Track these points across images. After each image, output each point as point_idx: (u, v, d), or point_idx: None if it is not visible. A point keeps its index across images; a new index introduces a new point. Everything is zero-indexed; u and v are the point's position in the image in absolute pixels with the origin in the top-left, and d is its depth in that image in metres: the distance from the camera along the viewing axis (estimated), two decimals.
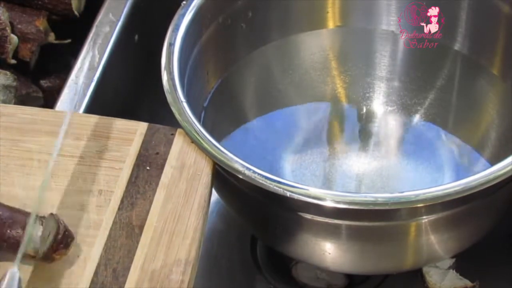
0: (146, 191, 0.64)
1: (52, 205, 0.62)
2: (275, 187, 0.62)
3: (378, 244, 0.69)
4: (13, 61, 0.84)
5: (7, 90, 0.81)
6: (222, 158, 0.64)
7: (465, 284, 0.76)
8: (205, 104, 0.79)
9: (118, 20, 0.84)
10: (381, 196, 0.62)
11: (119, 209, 0.62)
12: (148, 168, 0.65)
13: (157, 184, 0.64)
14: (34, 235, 0.57)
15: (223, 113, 0.81)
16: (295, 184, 0.63)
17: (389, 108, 0.84)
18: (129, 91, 0.87)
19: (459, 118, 0.83)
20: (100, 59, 0.81)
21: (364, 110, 0.85)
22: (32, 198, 0.61)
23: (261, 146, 0.82)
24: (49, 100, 0.86)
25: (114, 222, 0.61)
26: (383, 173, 0.81)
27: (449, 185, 0.62)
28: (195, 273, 0.60)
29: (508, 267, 0.79)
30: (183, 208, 0.62)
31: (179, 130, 0.68)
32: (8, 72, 0.82)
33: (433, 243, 0.69)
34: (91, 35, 0.83)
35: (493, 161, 0.76)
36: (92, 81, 0.79)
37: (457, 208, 0.65)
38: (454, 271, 0.77)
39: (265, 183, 0.62)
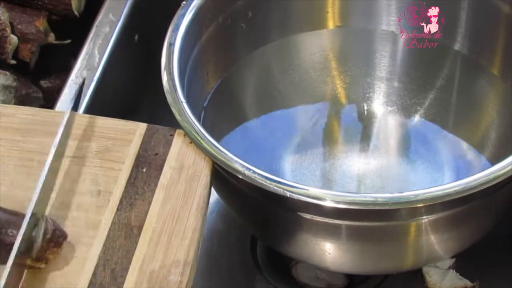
0: (145, 191, 0.64)
1: (51, 205, 0.62)
2: (275, 187, 0.62)
3: (378, 244, 0.69)
4: (13, 62, 0.84)
5: (7, 90, 0.81)
6: (222, 158, 0.64)
7: (465, 284, 0.76)
8: (205, 104, 0.79)
9: (118, 20, 0.84)
10: (381, 196, 0.62)
11: (118, 209, 0.62)
12: (147, 169, 0.65)
13: (156, 185, 0.64)
14: (28, 236, 0.57)
15: (223, 113, 0.81)
16: (295, 184, 0.63)
17: (389, 108, 0.84)
18: (129, 91, 0.87)
19: (459, 118, 0.83)
20: (100, 59, 0.81)
21: (364, 110, 0.85)
22: (31, 199, 0.60)
23: (261, 146, 0.82)
24: (49, 100, 0.86)
25: (113, 223, 0.61)
26: (383, 173, 0.81)
27: (449, 185, 0.62)
28: (193, 274, 0.60)
29: (508, 267, 0.79)
30: (182, 209, 0.62)
31: (178, 130, 0.67)
32: (8, 73, 0.82)
33: (433, 243, 0.69)
34: (91, 35, 0.83)
35: (493, 161, 0.76)
36: (92, 81, 0.79)
37: (457, 208, 0.65)
38: (454, 271, 0.77)
39: (265, 183, 0.62)
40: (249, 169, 0.63)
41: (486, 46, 0.81)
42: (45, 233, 0.58)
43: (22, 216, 0.59)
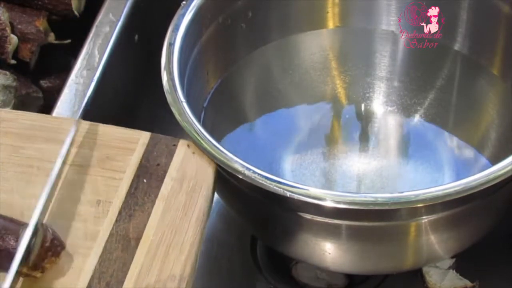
0: (144, 202, 0.62)
1: (49, 214, 0.61)
2: (275, 187, 0.62)
3: (378, 244, 0.69)
4: (13, 61, 0.84)
5: (7, 90, 0.81)
6: (222, 158, 0.64)
7: (465, 284, 0.77)
8: (205, 104, 0.79)
9: (118, 20, 0.84)
10: (381, 196, 0.62)
11: (116, 220, 0.61)
12: (148, 179, 0.64)
13: (156, 196, 0.63)
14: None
15: (223, 113, 0.81)
16: (295, 184, 0.63)
17: (389, 108, 0.85)
18: (129, 91, 0.87)
19: (459, 118, 0.83)
20: (100, 59, 0.81)
21: (364, 110, 0.85)
22: (30, 206, 0.59)
23: (261, 146, 0.82)
24: (49, 100, 0.86)
25: (111, 234, 0.60)
26: (383, 173, 0.81)
27: (449, 185, 0.62)
28: None
29: (508, 267, 0.79)
30: (181, 221, 0.61)
31: (181, 141, 0.67)
32: (8, 72, 0.82)
33: (433, 243, 0.69)
34: (91, 35, 0.83)
35: (493, 161, 0.76)
36: (92, 81, 0.79)
37: (457, 208, 0.65)
38: (454, 271, 0.77)
39: (265, 183, 0.62)
40: (249, 169, 0.63)
41: (486, 46, 0.81)
42: (43, 242, 0.57)
43: (19, 223, 0.58)
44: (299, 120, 0.84)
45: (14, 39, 0.83)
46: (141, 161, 0.65)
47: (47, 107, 0.81)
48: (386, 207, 0.62)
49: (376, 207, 0.62)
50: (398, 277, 0.78)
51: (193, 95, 0.73)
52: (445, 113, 0.83)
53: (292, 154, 0.81)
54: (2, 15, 0.82)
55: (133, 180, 0.64)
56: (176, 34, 0.73)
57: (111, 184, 0.63)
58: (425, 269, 0.77)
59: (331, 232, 0.67)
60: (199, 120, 0.67)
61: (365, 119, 0.84)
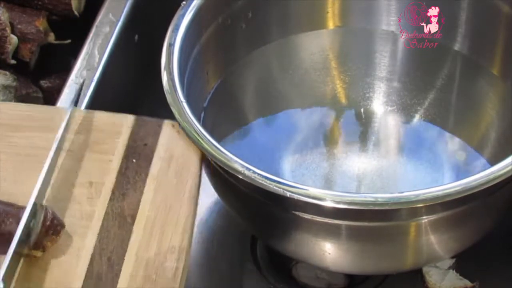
0: (136, 181, 0.64)
1: (46, 198, 0.63)
2: (275, 187, 0.62)
3: (378, 244, 0.69)
4: (13, 61, 0.84)
5: (7, 90, 0.81)
6: (222, 158, 0.64)
7: (465, 284, 0.76)
8: (205, 104, 0.79)
9: (118, 20, 0.84)
10: (381, 196, 0.62)
11: (110, 200, 0.63)
12: (137, 159, 0.66)
13: (146, 175, 0.65)
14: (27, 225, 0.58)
15: (223, 113, 0.81)
16: (295, 184, 0.63)
17: (389, 108, 0.84)
18: (129, 91, 0.87)
19: (459, 118, 0.83)
20: (100, 59, 0.81)
21: (364, 110, 0.85)
22: (24, 192, 0.61)
23: (261, 146, 0.82)
24: (49, 100, 0.86)
25: (106, 213, 0.62)
26: (383, 173, 0.81)
27: (449, 185, 0.62)
28: (188, 259, 0.61)
29: (508, 267, 0.79)
30: (174, 197, 0.63)
31: (166, 121, 0.68)
32: (8, 72, 0.82)
33: (433, 243, 0.69)
34: (91, 35, 0.83)
35: (493, 161, 0.76)
36: (92, 81, 0.79)
37: (457, 208, 0.65)
38: (454, 271, 0.77)
39: (265, 183, 0.62)
40: (249, 169, 0.63)
41: (486, 46, 0.81)
42: (44, 221, 0.58)
43: (18, 206, 0.60)
44: (299, 120, 0.84)
45: (14, 39, 0.83)
46: (128, 142, 0.67)
47: None
48: (386, 207, 0.62)
49: (376, 207, 0.62)
50: (398, 277, 0.78)
51: (193, 95, 0.73)
52: (445, 113, 0.83)
53: (292, 154, 0.81)
54: (2, 15, 0.82)
55: (122, 161, 0.66)
56: (176, 34, 0.73)
57: (102, 166, 0.65)
58: (425, 269, 0.77)
59: (331, 232, 0.67)
60: (199, 120, 0.68)
61: (365, 119, 0.84)
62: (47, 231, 0.58)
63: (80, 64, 0.80)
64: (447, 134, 0.82)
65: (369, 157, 0.82)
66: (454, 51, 0.83)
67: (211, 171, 0.70)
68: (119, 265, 0.59)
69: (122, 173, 0.65)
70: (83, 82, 0.76)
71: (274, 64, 0.86)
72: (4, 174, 0.64)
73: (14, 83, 0.81)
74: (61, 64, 0.89)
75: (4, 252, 0.57)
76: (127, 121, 0.69)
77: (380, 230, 0.67)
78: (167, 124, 0.68)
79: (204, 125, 0.67)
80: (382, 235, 0.67)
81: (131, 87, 0.87)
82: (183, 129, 0.67)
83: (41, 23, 0.85)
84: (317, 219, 0.65)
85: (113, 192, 0.64)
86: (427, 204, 0.62)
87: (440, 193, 0.62)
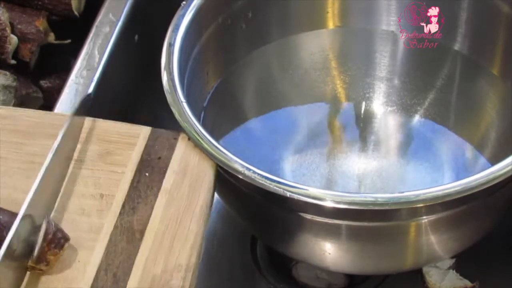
0: (147, 195, 0.63)
1: (55, 209, 0.62)
2: (275, 187, 0.62)
3: (378, 244, 0.69)
4: (13, 62, 0.84)
5: (7, 90, 0.81)
6: (222, 158, 0.64)
7: (465, 284, 0.76)
8: (205, 104, 0.79)
9: (118, 20, 0.84)
10: (381, 196, 0.62)
11: (120, 213, 0.62)
12: (150, 173, 0.65)
13: (158, 189, 0.63)
14: (24, 236, 0.57)
15: (223, 113, 0.81)
16: (295, 184, 0.63)
17: (389, 108, 0.84)
18: (129, 91, 0.87)
19: (459, 118, 0.83)
20: (100, 59, 0.81)
21: (364, 110, 0.85)
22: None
23: (261, 146, 0.82)
24: (49, 100, 0.86)
25: (115, 227, 0.61)
26: (383, 174, 0.81)
27: (449, 185, 0.62)
28: (195, 278, 0.59)
29: (508, 267, 0.79)
30: (184, 213, 0.62)
31: (182, 135, 0.67)
32: (8, 73, 0.82)
33: (433, 243, 0.69)
34: (91, 35, 0.83)
35: (493, 161, 0.76)
36: (92, 81, 0.79)
37: (457, 208, 0.65)
38: (454, 271, 0.77)
39: (265, 183, 0.62)
40: (249, 169, 0.63)
41: (486, 46, 0.81)
42: (46, 234, 0.57)
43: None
44: (299, 120, 0.84)
45: (14, 39, 0.83)
46: (142, 155, 0.66)
47: (47, 107, 0.81)
48: (386, 207, 0.62)
49: (376, 207, 0.62)
50: (398, 277, 0.78)
51: (193, 95, 0.73)
52: (445, 113, 0.83)
53: (292, 154, 0.81)
54: (2, 15, 0.82)
55: (135, 174, 0.64)
56: (176, 34, 0.73)
57: (114, 178, 0.64)
58: (425, 269, 0.77)
59: (331, 232, 0.67)
60: (199, 120, 0.67)
61: (365, 119, 0.84)
62: (49, 245, 0.57)
63: (80, 64, 0.80)
64: (447, 134, 0.82)
65: (369, 157, 0.82)
66: (454, 51, 0.83)
67: None
68: (125, 281, 0.58)
69: (134, 186, 0.64)
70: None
71: (274, 64, 0.86)
72: (13, 182, 0.63)
73: (14, 83, 0.81)
74: (61, 64, 0.89)
75: None
76: (142, 132, 0.67)
77: (380, 230, 0.67)
78: (183, 138, 0.67)
79: (204, 125, 0.67)
80: (382, 235, 0.67)
81: (131, 87, 0.87)
82: (183, 128, 0.67)
83: (41, 23, 0.85)
84: (317, 219, 0.65)
85: (123, 206, 0.62)
86: (427, 204, 0.62)
87: (440, 193, 0.62)
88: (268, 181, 0.62)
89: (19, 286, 0.57)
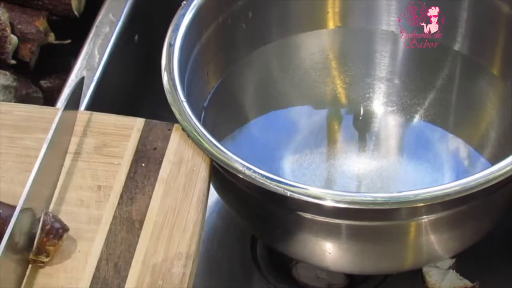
0: (145, 186, 0.64)
1: (54, 202, 0.62)
2: (275, 187, 0.62)
3: (378, 244, 0.69)
4: (13, 62, 0.84)
5: (7, 90, 0.81)
6: (222, 158, 0.64)
7: (465, 284, 0.76)
8: (205, 104, 0.79)
9: (118, 20, 0.84)
10: (381, 195, 0.62)
11: (118, 204, 0.63)
12: (146, 163, 0.65)
13: (155, 179, 0.64)
14: (25, 230, 0.58)
15: (223, 113, 0.81)
16: (295, 184, 0.63)
17: (389, 109, 0.84)
18: (129, 91, 0.87)
19: (459, 118, 0.83)
20: (100, 59, 0.81)
21: (364, 110, 0.85)
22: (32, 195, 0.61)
23: (261, 146, 0.82)
24: (49, 100, 0.86)
25: (114, 217, 0.62)
26: (383, 174, 0.81)
27: (448, 185, 0.62)
28: (196, 266, 0.60)
29: (508, 267, 0.79)
30: (182, 202, 0.63)
31: (176, 125, 0.68)
32: (8, 73, 0.82)
33: (433, 243, 0.69)
34: (91, 35, 0.83)
35: (493, 161, 0.76)
36: (92, 81, 0.79)
37: (457, 208, 0.65)
38: (454, 271, 0.77)
39: (265, 182, 0.62)
40: (250, 169, 0.63)
41: (486, 46, 0.81)
42: (44, 225, 0.58)
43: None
44: (299, 120, 0.84)
45: (14, 39, 0.83)
46: (137, 146, 0.67)
47: None
48: (386, 207, 0.62)
49: (376, 207, 0.62)
50: (398, 277, 0.78)
51: (194, 95, 0.73)
52: (445, 113, 0.83)
53: (292, 154, 0.81)
54: (2, 15, 0.82)
55: (131, 165, 0.65)
56: (176, 34, 0.73)
57: (110, 170, 0.65)
58: (425, 269, 0.77)
59: (331, 232, 0.67)
60: (199, 120, 0.68)
61: (365, 119, 0.84)
62: (48, 235, 0.58)
63: (80, 64, 0.80)
64: (447, 134, 0.82)
65: (369, 157, 0.82)
66: (454, 51, 0.83)
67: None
68: (126, 271, 0.59)
69: (131, 177, 0.64)
70: (80, 81, 0.75)
71: (274, 64, 0.86)
72: (11, 176, 0.64)
73: (14, 83, 0.81)
74: (61, 64, 0.89)
75: None
76: (136, 124, 0.68)
77: (380, 230, 0.67)
78: (177, 128, 0.68)
79: (204, 125, 0.67)
80: (382, 234, 0.67)
81: (131, 87, 0.87)
82: (183, 128, 0.67)
83: (41, 23, 0.85)
84: (317, 219, 0.65)
85: (121, 196, 0.63)
86: (427, 203, 0.62)
87: (439, 193, 0.62)
88: (269, 181, 0.62)
89: (22, 279, 0.58)
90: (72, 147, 0.66)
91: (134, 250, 0.60)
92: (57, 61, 0.89)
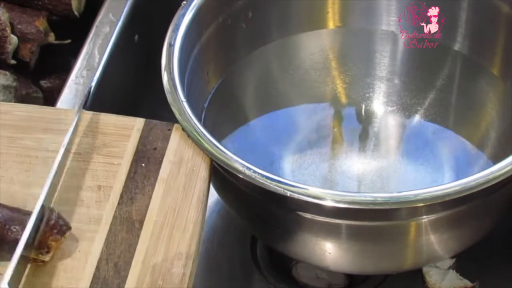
0: (145, 186, 0.64)
1: (54, 201, 0.62)
2: (275, 187, 0.62)
3: (378, 244, 0.69)
4: (13, 62, 0.84)
5: (7, 90, 0.81)
6: (223, 158, 0.64)
7: (465, 284, 0.76)
8: (205, 104, 0.79)
9: (118, 20, 0.84)
10: (381, 195, 0.62)
11: (118, 204, 0.63)
12: (146, 163, 0.66)
13: (155, 179, 0.64)
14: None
15: (223, 113, 0.81)
16: (295, 184, 0.63)
17: (389, 108, 0.85)
18: (129, 91, 0.87)
19: (459, 118, 0.83)
20: (100, 59, 0.81)
21: (364, 110, 0.85)
22: (31, 194, 0.61)
23: (261, 146, 0.82)
24: (49, 100, 0.86)
25: (114, 217, 0.62)
26: (383, 174, 0.81)
27: (448, 185, 0.62)
28: (196, 266, 0.60)
29: (508, 267, 0.79)
30: (182, 202, 0.63)
31: (176, 125, 0.68)
32: (8, 73, 0.82)
33: (433, 243, 0.69)
34: (91, 35, 0.83)
35: (493, 161, 0.76)
36: (92, 81, 0.79)
37: (457, 208, 0.65)
38: (454, 271, 0.77)
39: (265, 182, 0.62)
40: (250, 169, 0.63)
41: (486, 46, 0.81)
42: (48, 220, 0.58)
43: (24, 212, 0.59)
44: (299, 120, 0.84)
45: (14, 39, 0.83)
46: (137, 146, 0.67)
47: None
48: (386, 207, 0.62)
49: (376, 207, 0.62)
50: (398, 277, 0.78)
51: (194, 95, 0.73)
52: (445, 113, 0.83)
53: (292, 154, 0.81)
54: (2, 15, 0.82)
55: (131, 165, 0.65)
56: (176, 34, 0.73)
57: (110, 170, 0.65)
58: (425, 269, 0.77)
59: (331, 232, 0.67)
60: (199, 120, 0.68)
61: (365, 119, 0.84)
62: (51, 230, 0.58)
63: (80, 64, 0.80)
64: (447, 134, 0.82)
65: (369, 157, 0.82)
66: (454, 51, 0.83)
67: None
68: (126, 271, 0.59)
69: (131, 177, 0.65)
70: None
71: (274, 64, 0.86)
72: (10, 176, 0.64)
73: (14, 83, 0.81)
74: (61, 64, 0.89)
75: (10, 258, 0.57)
76: (136, 124, 0.68)
77: (380, 230, 0.67)
78: (177, 128, 0.68)
79: (204, 125, 0.67)
80: (382, 235, 0.67)
81: (131, 87, 0.87)
82: (183, 128, 0.67)
83: (41, 23, 0.85)
84: (317, 219, 0.65)
85: (121, 196, 0.63)
86: (427, 203, 0.62)
87: (439, 192, 0.62)
88: (269, 181, 0.62)
89: (21, 278, 0.58)
90: (72, 147, 0.66)
91: (134, 250, 0.60)
92: (57, 61, 0.89)
